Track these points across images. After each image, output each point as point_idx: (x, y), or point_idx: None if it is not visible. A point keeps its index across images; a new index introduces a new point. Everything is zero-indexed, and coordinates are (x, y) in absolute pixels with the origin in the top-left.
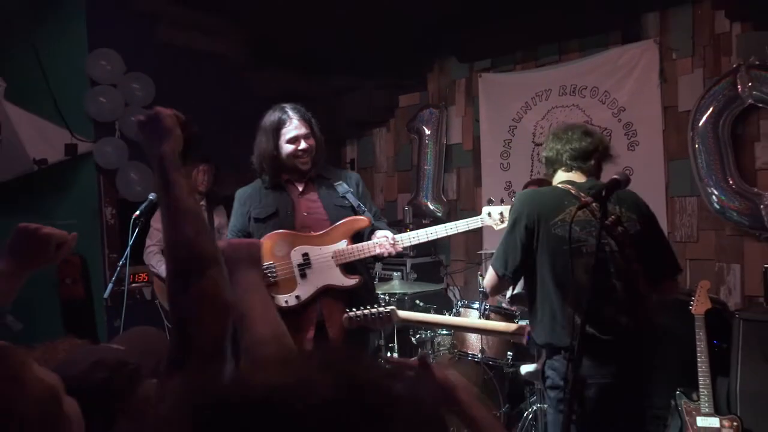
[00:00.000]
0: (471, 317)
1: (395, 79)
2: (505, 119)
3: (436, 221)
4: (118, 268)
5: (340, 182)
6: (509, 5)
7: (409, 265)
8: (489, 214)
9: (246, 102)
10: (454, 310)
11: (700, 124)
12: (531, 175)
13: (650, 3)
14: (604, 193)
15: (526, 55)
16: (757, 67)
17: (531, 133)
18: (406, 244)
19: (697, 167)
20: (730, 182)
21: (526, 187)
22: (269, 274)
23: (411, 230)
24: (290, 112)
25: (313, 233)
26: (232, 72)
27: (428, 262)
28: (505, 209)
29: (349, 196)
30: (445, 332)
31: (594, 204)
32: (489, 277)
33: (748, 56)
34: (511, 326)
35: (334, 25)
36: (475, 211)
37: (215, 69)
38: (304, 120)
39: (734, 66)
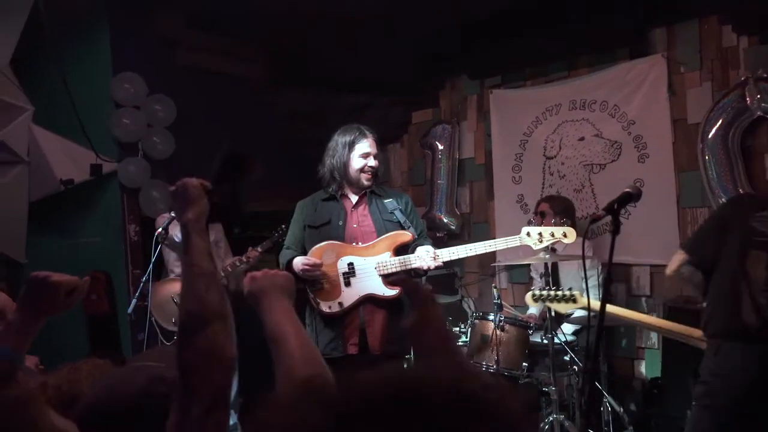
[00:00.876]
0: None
1: (408, 97)
2: (516, 134)
3: (450, 234)
4: (141, 284)
5: (391, 200)
6: (518, 23)
7: (424, 278)
8: (528, 234)
9: (264, 121)
10: (469, 321)
11: (710, 136)
12: (543, 188)
13: (657, 19)
14: (616, 206)
15: (535, 72)
16: (766, 80)
17: (542, 147)
18: (445, 259)
19: (707, 179)
20: (741, 193)
21: None
22: (318, 281)
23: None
24: (366, 131)
25: (360, 244)
26: (250, 92)
27: (443, 274)
28: (544, 229)
29: (397, 213)
30: (460, 343)
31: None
32: None
33: (756, 69)
34: (695, 332)
35: (348, 45)
36: (488, 224)
37: (233, 90)
38: (376, 141)
39: (742, 79)
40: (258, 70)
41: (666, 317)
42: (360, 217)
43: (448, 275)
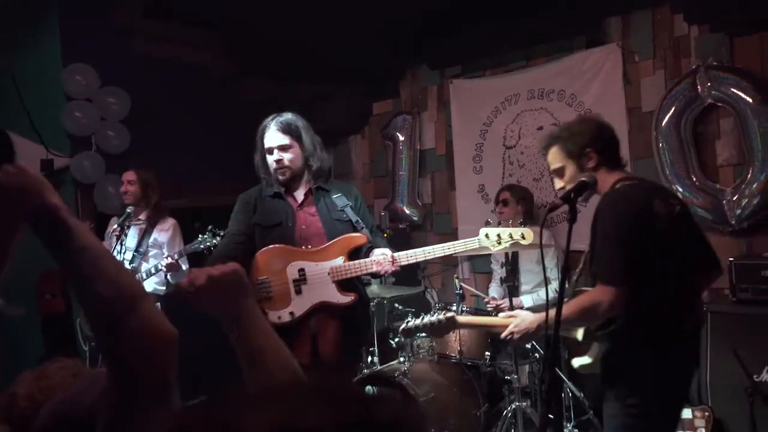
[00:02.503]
0: None
1: (369, 87)
2: (476, 124)
3: (412, 225)
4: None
5: (340, 195)
6: (477, 13)
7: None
8: (487, 236)
9: (223, 112)
10: (432, 312)
11: (663, 123)
12: (503, 177)
13: (612, 8)
14: (572, 195)
15: (494, 61)
16: (715, 68)
17: (502, 137)
18: (404, 263)
19: (661, 165)
20: (694, 179)
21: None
22: (264, 289)
23: (388, 235)
24: (271, 122)
25: (311, 248)
26: (208, 83)
27: (405, 266)
28: (502, 231)
29: (348, 210)
30: (423, 334)
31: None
32: None
33: (706, 58)
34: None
35: (308, 34)
36: (450, 214)
37: (191, 80)
38: (285, 131)
39: (693, 67)
40: (217, 60)
41: None
42: (308, 217)
43: (410, 267)
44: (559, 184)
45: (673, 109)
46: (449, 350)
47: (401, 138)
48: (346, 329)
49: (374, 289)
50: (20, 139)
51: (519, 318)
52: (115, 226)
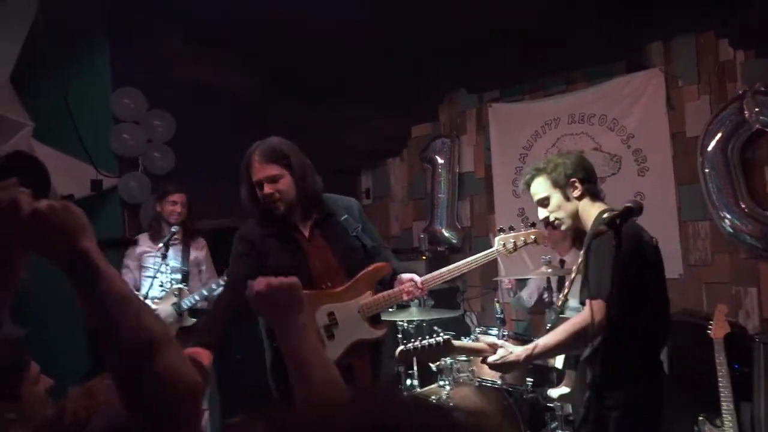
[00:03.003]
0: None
1: (407, 111)
2: (515, 147)
3: (451, 248)
4: (144, 300)
5: (346, 216)
6: (516, 38)
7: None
8: (504, 245)
9: (262, 135)
10: (472, 336)
11: (709, 149)
12: None
13: (653, 33)
14: (618, 221)
15: (533, 86)
16: (763, 93)
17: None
18: (431, 286)
19: (708, 192)
20: (743, 206)
21: None
22: None
23: (426, 258)
24: (255, 154)
25: (335, 289)
26: (248, 106)
27: (445, 288)
28: (515, 236)
29: (360, 233)
30: (464, 358)
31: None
32: None
33: (753, 83)
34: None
35: (347, 59)
36: (489, 237)
37: (231, 104)
38: (269, 159)
39: (740, 92)
40: (257, 84)
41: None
42: (320, 253)
43: (450, 290)
44: (543, 213)
45: (719, 134)
46: (491, 375)
47: (440, 161)
48: (379, 354)
49: (413, 311)
50: (72, 160)
51: (504, 349)
52: (161, 245)
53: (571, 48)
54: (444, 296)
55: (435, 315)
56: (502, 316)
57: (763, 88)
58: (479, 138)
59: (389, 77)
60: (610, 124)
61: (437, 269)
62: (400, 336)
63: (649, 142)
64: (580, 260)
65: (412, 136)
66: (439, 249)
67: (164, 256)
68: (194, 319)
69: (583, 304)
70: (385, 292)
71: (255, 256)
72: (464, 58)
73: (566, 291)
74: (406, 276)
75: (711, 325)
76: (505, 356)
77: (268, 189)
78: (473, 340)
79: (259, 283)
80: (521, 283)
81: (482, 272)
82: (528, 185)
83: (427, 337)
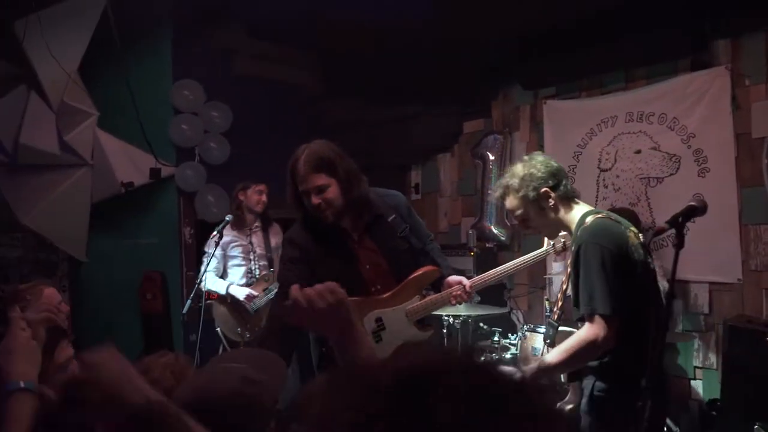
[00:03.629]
0: (537, 341)
1: (460, 106)
2: (569, 145)
3: (499, 245)
4: (196, 286)
5: (394, 216)
6: (576, 34)
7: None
8: (553, 244)
9: (317, 130)
10: (519, 334)
11: None
12: (596, 200)
13: (721, 30)
14: (680, 219)
15: (591, 83)
16: None
17: (597, 159)
18: (478, 288)
19: None
20: None
21: None
22: None
23: (474, 254)
24: (301, 161)
25: (383, 294)
26: (304, 100)
27: (492, 285)
28: (567, 237)
29: (408, 234)
30: (509, 355)
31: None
32: None
33: None
34: None
35: (404, 54)
36: (538, 237)
37: (286, 98)
38: (315, 169)
39: None
40: (312, 79)
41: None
42: (370, 256)
43: (497, 286)
44: (526, 229)
45: None
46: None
47: (491, 157)
48: None
49: (460, 307)
50: (133, 149)
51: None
52: (255, 228)
53: (632, 45)
54: (491, 293)
55: (481, 311)
56: (550, 314)
57: None
58: (532, 135)
59: (444, 73)
60: (670, 123)
61: (485, 265)
62: (444, 331)
63: (711, 143)
64: (568, 270)
65: (463, 131)
66: (487, 245)
67: (252, 246)
68: None
69: (579, 318)
70: (433, 296)
71: (305, 261)
72: (521, 53)
73: (560, 303)
74: (454, 279)
75: None
76: None
77: (315, 200)
78: (520, 338)
79: (309, 295)
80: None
81: (530, 270)
82: (501, 203)
83: None
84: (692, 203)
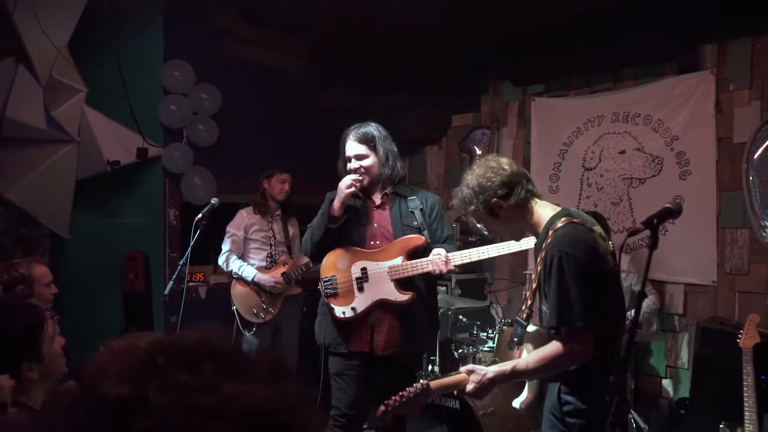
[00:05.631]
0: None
1: (450, 100)
2: (556, 143)
3: (482, 239)
4: (179, 267)
5: (414, 198)
6: (564, 34)
7: (453, 281)
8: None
9: (305, 116)
10: (497, 328)
11: (756, 156)
12: (579, 199)
13: (708, 35)
14: (655, 221)
15: (580, 81)
16: None
17: (581, 158)
18: (458, 262)
19: (750, 199)
20: None
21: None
22: (331, 286)
23: (458, 247)
24: (350, 133)
25: (377, 243)
26: (294, 87)
27: (473, 278)
28: None
29: (417, 213)
30: (486, 348)
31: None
32: None
33: None
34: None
35: (393, 46)
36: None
37: (276, 84)
38: (361, 140)
39: None
40: (303, 66)
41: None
42: (381, 218)
43: (478, 280)
44: (491, 236)
45: (767, 142)
46: None
47: (478, 152)
48: (403, 327)
49: (439, 298)
50: (121, 128)
51: (476, 374)
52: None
53: (621, 45)
54: (471, 286)
55: (461, 304)
56: (531, 311)
57: None
58: (520, 131)
59: (435, 65)
60: (655, 125)
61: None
62: None
63: (694, 146)
64: (537, 269)
65: (452, 125)
66: (470, 239)
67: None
68: (300, 289)
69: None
70: (414, 260)
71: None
72: (512, 49)
73: (529, 302)
74: (436, 249)
75: (741, 334)
76: (480, 380)
77: (355, 164)
78: (498, 332)
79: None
80: None
81: (510, 265)
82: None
83: (406, 390)
84: (668, 205)
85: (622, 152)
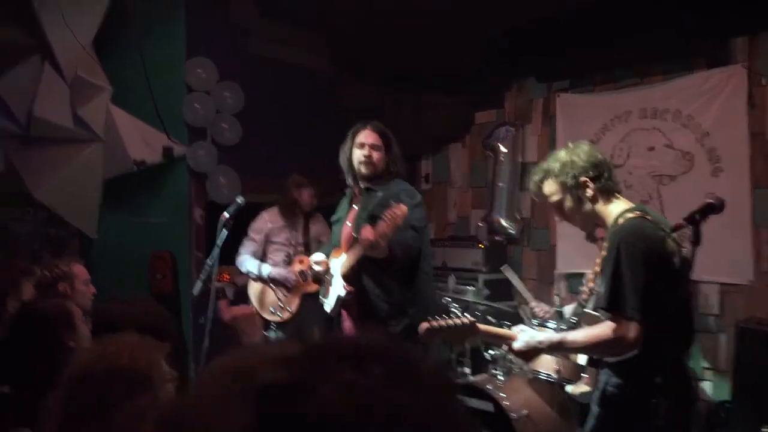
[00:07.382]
0: None
1: (473, 96)
2: (582, 140)
3: (509, 239)
4: (207, 267)
5: (382, 193)
6: (589, 28)
7: (481, 281)
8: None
9: (328, 114)
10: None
11: None
12: None
13: (738, 28)
14: (698, 217)
15: (605, 77)
16: None
17: (609, 155)
18: (385, 232)
19: None
20: None
21: None
22: (323, 283)
23: (484, 247)
24: (368, 123)
25: (350, 245)
26: (317, 85)
27: (500, 279)
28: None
29: (376, 209)
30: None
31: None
32: None
33: None
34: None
35: (417, 42)
36: (548, 230)
37: (301, 81)
38: (378, 133)
39: None
40: (325, 63)
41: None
42: (352, 215)
43: (506, 280)
44: (560, 217)
45: None
46: (545, 368)
47: (503, 149)
48: (362, 314)
49: (469, 298)
50: (146, 127)
51: (526, 334)
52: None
53: (647, 40)
54: (499, 287)
55: (490, 305)
56: (561, 309)
57: None
58: (544, 128)
59: (458, 62)
60: (685, 120)
61: (494, 259)
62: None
63: (726, 142)
64: (602, 256)
65: (475, 122)
66: (496, 238)
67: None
68: (318, 286)
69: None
70: (345, 254)
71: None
72: (535, 45)
73: (591, 285)
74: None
75: None
76: (528, 341)
77: (368, 151)
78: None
79: None
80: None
81: (539, 266)
82: (538, 188)
83: (453, 317)
84: (710, 200)
85: (651, 149)
